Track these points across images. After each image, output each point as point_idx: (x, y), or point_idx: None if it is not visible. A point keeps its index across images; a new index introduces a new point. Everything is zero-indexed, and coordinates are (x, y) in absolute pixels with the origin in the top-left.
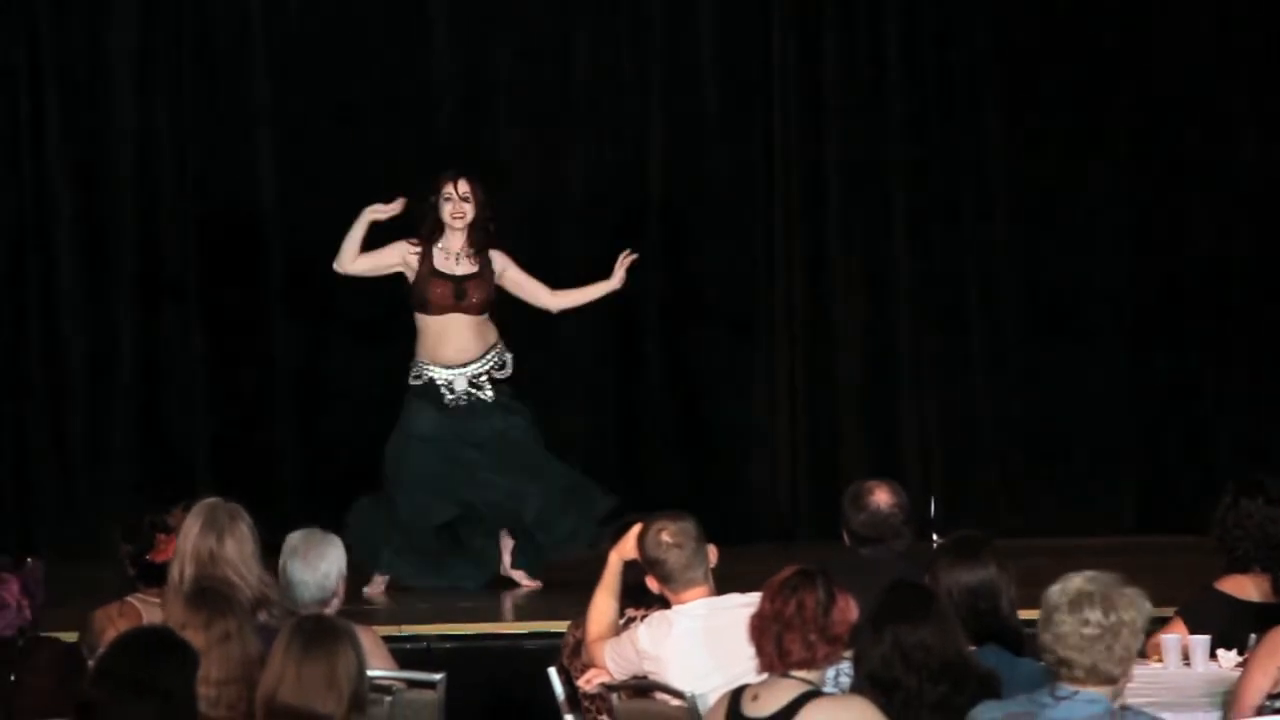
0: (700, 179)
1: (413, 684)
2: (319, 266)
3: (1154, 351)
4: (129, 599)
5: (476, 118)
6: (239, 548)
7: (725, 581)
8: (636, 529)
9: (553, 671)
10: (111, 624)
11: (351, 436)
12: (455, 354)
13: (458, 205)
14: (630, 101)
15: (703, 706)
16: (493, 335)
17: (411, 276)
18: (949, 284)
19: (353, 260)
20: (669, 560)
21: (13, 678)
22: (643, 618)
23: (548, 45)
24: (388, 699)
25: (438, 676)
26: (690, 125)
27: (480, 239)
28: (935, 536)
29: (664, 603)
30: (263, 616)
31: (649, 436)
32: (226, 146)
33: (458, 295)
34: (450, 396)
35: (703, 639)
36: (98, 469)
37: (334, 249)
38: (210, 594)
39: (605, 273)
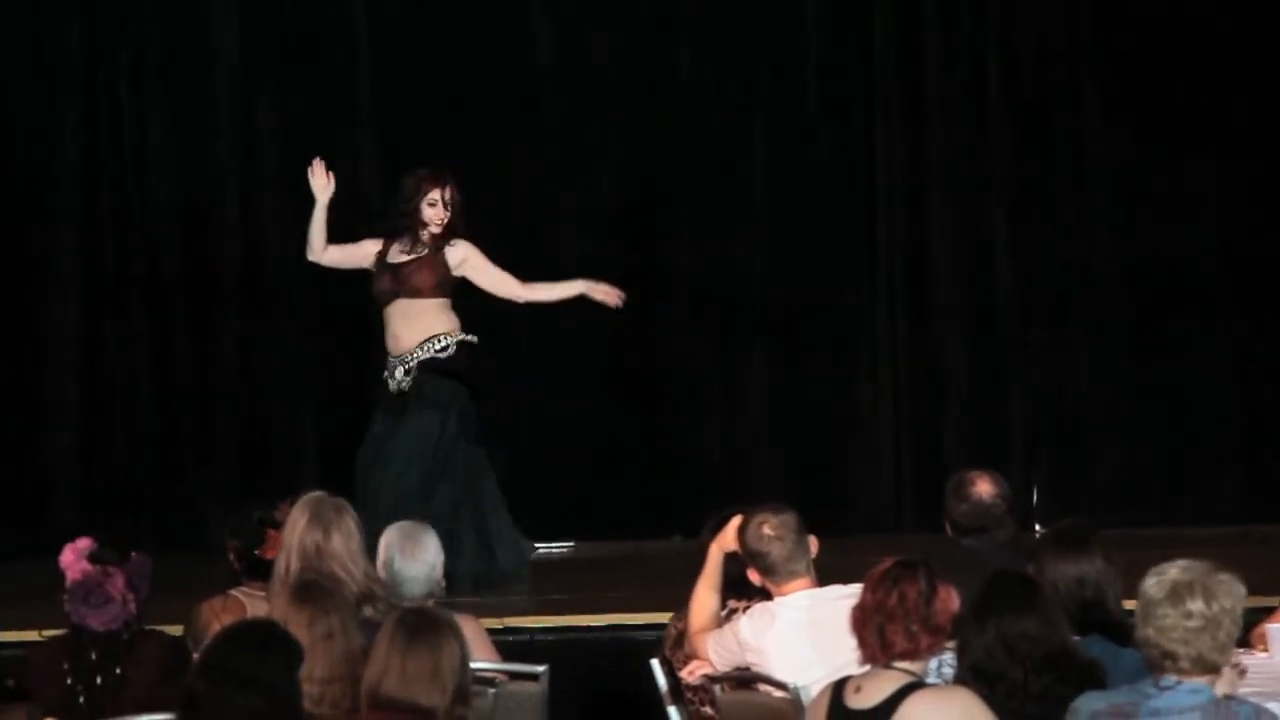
0: (801, 172)
1: (516, 676)
2: None
3: (1258, 338)
4: (233, 592)
5: (575, 112)
6: (345, 542)
7: (827, 573)
8: (737, 521)
9: (655, 663)
10: (216, 617)
11: None
12: (392, 342)
13: (441, 211)
14: (731, 98)
15: (805, 698)
16: (440, 324)
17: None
18: (1051, 273)
19: (323, 248)
20: (771, 553)
21: (118, 671)
22: (745, 609)
23: (648, 38)
24: (491, 691)
25: (541, 668)
26: (791, 120)
27: (439, 240)
28: (1037, 526)
29: (766, 594)
30: (368, 611)
31: (751, 428)
32: (328, 143)
33: (395, 279)
34: (392, 383)
35: (805, 631)
36: (202, 464)
37: None
38: (312, 591)
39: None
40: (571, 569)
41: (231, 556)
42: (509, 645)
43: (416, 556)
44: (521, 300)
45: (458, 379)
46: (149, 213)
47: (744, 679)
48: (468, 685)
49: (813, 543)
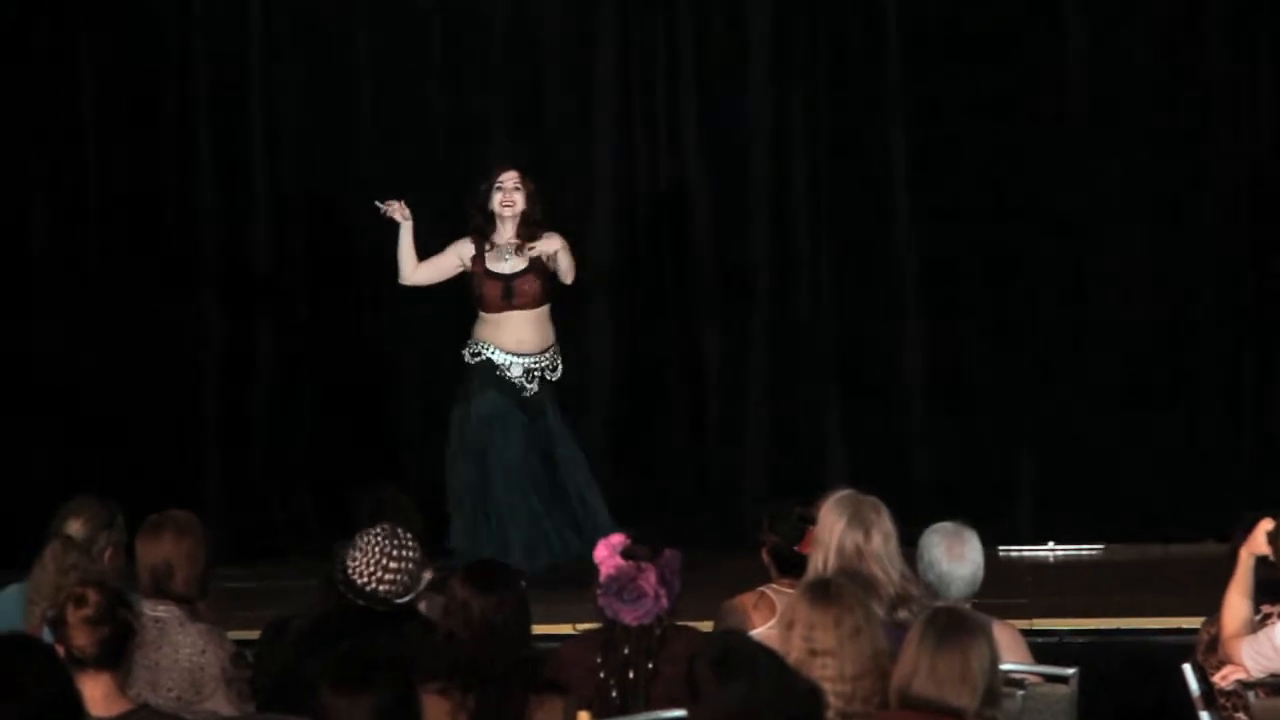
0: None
1: (1045, 678)
2: (949, 268)
3: None
4: (765, 590)
5: (1102, 107)
6: (885, 544)
7: None
8: (1265, 525)
9: (1187, 668)
10: (747, 614)
11: (996, 433)
12: (515, 344)
13: (508, 195)
14: (1263, 96)
15: None
16: (550, 334)
17: (471, 273)
18: None
19: (413, 271)
20: None
21: (650, 666)
22: (1279, 615)
23: (1178, 30)
24: (1020, 693)
25: (1070, 671)
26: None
27: (527, 231)
28: None
29: None
30: (902, 614)
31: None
32: (856, 139)
33: (506, 294)
34: (509, 376)
35: None
36: (730, 457)
37: (970, 247)
38: (830, 589)
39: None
40: (1101, 572)
41: (765, 552)
42: (1038, 647)
43: (963, 556)
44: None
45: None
46: (678, 207)
47: None
48: (998, 687)
49: None
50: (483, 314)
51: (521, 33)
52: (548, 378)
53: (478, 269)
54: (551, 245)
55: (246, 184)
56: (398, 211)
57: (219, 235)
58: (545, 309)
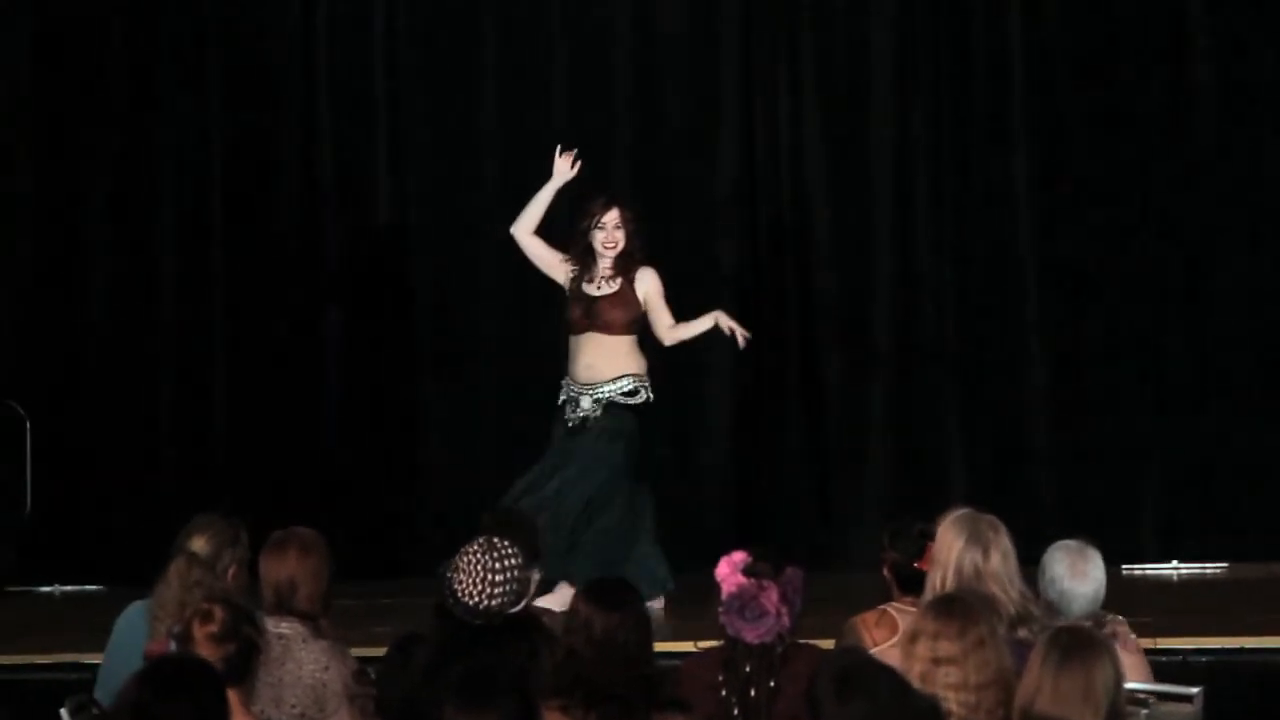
0: None
1: (1169, 697)
2: (1070, 286)
3: None
4: (886, 607)
5: (1237, 125)
6: (1003, 562)
7: None
8: None
9: None
10: (868, 632)
11: (1119, 450)
12: (583, 371)
13: (610, 234)
14: None
15: None
16: (632, 363)
17: (565, 293)
18: None
19: (529, 229)
20: None
21: (772, 684)
22: None
23: None
24: (1144, 712)
25: (1195, 690)
26: None
27: (623, 264)
28: None
29: None
30: (1022, 633)
31: None
32: (980, 153)
33: (588, 314)
34: (570, 413)
35: None
36: (850, 474)
37: (1093, 263)
38: (956, 604)
39: None
40: (1226, 590)
41: (886, 569)
42: (1161, 666)
43: (1085, 574)
44: (665, 343)
45: (638, 419)
46: (800, 225)
47: None
48: (1121, 705)
49: None
50: (569, 339)
51: (644, 50)
52: (618, 400)
53: (572, 290)
54: (644, 286)
55: (369, 203)
56: (567, 163)
57: (344, 252)
58: (627, 339)
